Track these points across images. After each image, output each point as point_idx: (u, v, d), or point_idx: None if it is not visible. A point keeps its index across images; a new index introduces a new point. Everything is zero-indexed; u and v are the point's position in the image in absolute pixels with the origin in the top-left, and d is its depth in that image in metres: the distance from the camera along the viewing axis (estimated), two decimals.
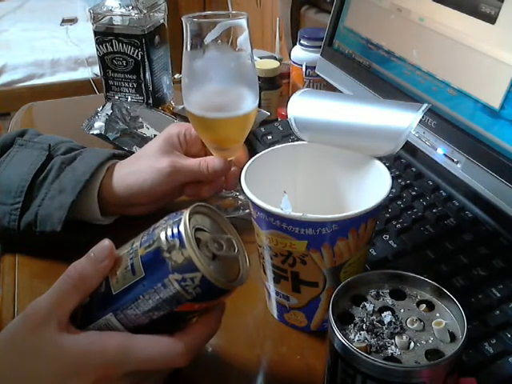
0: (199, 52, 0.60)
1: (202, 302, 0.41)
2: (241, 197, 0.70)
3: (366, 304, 0.41)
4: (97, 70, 1.15)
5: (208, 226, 0.42)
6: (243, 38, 0.61)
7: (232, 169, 0.65)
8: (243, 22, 0.60)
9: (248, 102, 0.63)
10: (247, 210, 0.67)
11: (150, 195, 0.63)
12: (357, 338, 0.39)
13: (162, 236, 0.40)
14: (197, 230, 0.41)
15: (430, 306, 0.41)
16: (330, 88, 0.84)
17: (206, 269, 0.39)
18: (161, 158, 0.63)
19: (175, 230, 0.40)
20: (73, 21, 2.82)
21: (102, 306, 0.42)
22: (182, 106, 0.88)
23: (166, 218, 0.42)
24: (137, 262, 0.40)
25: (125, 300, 0.41)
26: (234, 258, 0.43)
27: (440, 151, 0.60)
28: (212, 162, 0.63)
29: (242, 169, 0.51)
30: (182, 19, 0.60)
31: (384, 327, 0.39)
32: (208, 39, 0.59)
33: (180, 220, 0.40)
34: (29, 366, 0.40)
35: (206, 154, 0.67)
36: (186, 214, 0.40)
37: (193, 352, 0.41)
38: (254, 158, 0.53)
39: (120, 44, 0.85)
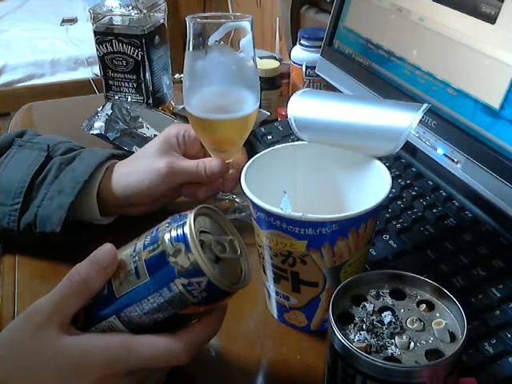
0: (201, 53, 0.60)
1: (206, 304, 0.41)
2: (238, 199, 0.69)
3: (366, 304, 0.41)
4: (97, 70, 1.15)
5: (210, 228, 0.42)
6: (246, 41, 0.60)
7: (230, 171, 0.65)
8: (247, 24, 0.60)
9: (248, 105, 0.63)
10: (244, 213, 0.67)
11: (148, 195, 0.63)
12: (357, 338, 0.39)
13: (167, 239, 0.40)
14: (200, 232, 0.41)
15: (430, 306, 0.41)
16: (330, 88, 0.84)
17: (212, 273, 0.39)
18: (159, 159, 0.63)
19: (180, 234, 0.39)
20: (73, 21, 2.81)
21: (105, 309, 0.42)
22: (181, 106, 0.88)
23: (168, 219, 0.42)
24: (141, 266, 0.40)
25: (129, 303, 0.41)
26: (237, 259, 0.43)
27: (440, 151, 0.60)
28: (210, 163, 0.63)
29: (240, 171, 0.51)
30: (186, 19, 0.59)
31: (384, 327, 0.39)
32: (211, 40, 0.59)
33: (185, 223, 0.40)
34: (31, 366, 0.40)
35: (205, 155, 0.67)
36: (190, 217, 0.40)
37: (193, 350, 0.41)
38: (253, 158, 0.53)
39: (120, 44, 0.85)
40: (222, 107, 0.62)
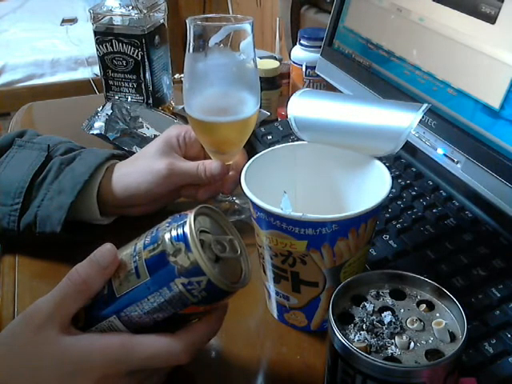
0: (202, 55, 0.60)
1: (206, 304, 0.41)
2: (238, 201, 0.69)
3: (365, 304, 0.41)
4: (97, 70, 1.15)
5: (210, 227, 0.42)
6: (247, 43, 0.60)
7: (230, 173, 0.65)
8: (248, 26, 0.60)
9: (249, 107, 0.62)
10: (244, 215, 0.67)
11: (147, 196, 0.63)
12: (357, 338, 0.39)
13: (167, 239, 0.40)
14: (200, 231, 0.41)
15: (430, 306, 0.41)
16: (330, 88, 0.84)
17: (211, 272, 0.39)
18: (159, 160, 0.63)
19: (180, 233, 0.39)
20: (73, 21, 2.81)
21: (105, 309, 0.42)
22: (181, 106, 0.88)
23: (169, 219, 0.42)
24: (141, 266, 0.40)
25: (129, 303, 0.41)
26: (237, 259, 0.43)
27: (440, 151, 0.60)
28: (210, 165, 0.63)
29: (240, 173, 0.51)
30: (187, 21, 0.59)
31: (384, 327, 0.39)
32: (212, 42, 0.59)
33: (185, 223, 0.40)
34: (31, 366, 0.40)
35: (205, 156, 0.67)
36: (190, 216, 0.40)
37: (193, 350, 0.42)
38: (253, 158, 0.53)
39: (120, 44, 0.85)
40: (223, 110, 0.62)
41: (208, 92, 0.63)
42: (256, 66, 0.62)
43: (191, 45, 0.60)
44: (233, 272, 0.42)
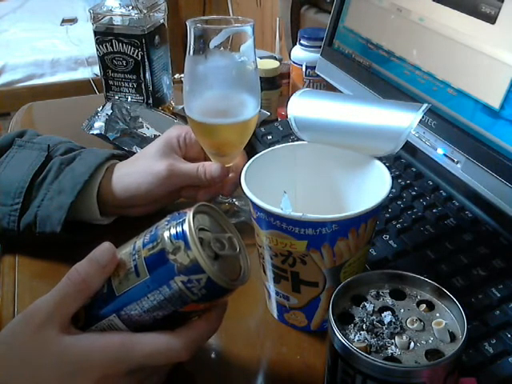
0: (202, 57, 0.60)
1: (206, 301, 0.41)
2: (237, 202, 0.69)
3: (365, 304, 0.41)
4: (97, 70, 1.15)
5: (209, 225, 0.42)
6: (247, 45, 0.60)
7: (230, 175, 0.65)
8: (249, 29, 0.60)
9: (249, 109, 0.62)
10: (243, 217, 0.67)
11: (147, 197, 0.63)
12: (357, 338, 0.39)
13: (166, 237, 0.40)
14: (199, 229, 0.41)
15: (430, 306, 0.41)
16: (330, 88, 0.84)
17: (211, 270, 0.39)
18: (159, 161, 0.63)
19: (179, 232, 0.39)
20: (73, 21, 2.81)
21: (105, 308, 0.42)
22: (181, 106, 0.88)
23: (168, 217, 0.42)
24: (140, 264, 0.40)
25: (128, 301, 0.41)
26: (236, 256, 0.43)
27: (440, 151, 0.60)
28: (210, 167, 0.63)
29: (240, 175, 0.51)
30: (187, 23, 0.59)
31: (384, 327, 0.39)
32: (212, 44, 0.59)
33: (184, 221, 0.40)
34: (31, 366, 0.40)
35: (205, 157, 0.67)
36: (189, 214, 0.40)
37: (193, 347, 0.42)
38: (253, 158, 0.53)
39: (120, 44, 0.85)
40: (223, 112, 0.62)
41: (208, 94, 0.62)
42: (256, 68, 0.62)
43: (191, 47, 0.60)
44: (232, 269, 0.42)
